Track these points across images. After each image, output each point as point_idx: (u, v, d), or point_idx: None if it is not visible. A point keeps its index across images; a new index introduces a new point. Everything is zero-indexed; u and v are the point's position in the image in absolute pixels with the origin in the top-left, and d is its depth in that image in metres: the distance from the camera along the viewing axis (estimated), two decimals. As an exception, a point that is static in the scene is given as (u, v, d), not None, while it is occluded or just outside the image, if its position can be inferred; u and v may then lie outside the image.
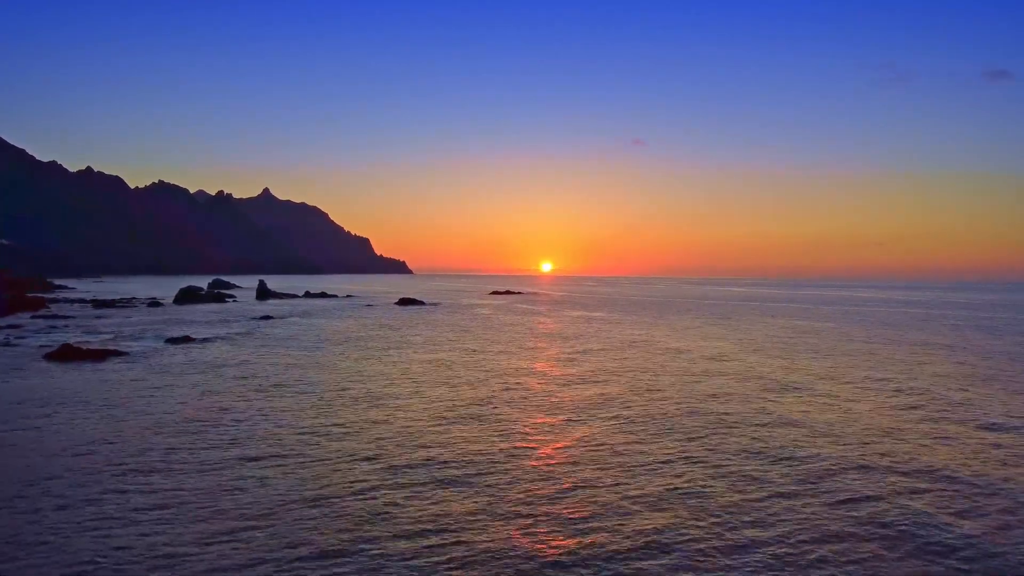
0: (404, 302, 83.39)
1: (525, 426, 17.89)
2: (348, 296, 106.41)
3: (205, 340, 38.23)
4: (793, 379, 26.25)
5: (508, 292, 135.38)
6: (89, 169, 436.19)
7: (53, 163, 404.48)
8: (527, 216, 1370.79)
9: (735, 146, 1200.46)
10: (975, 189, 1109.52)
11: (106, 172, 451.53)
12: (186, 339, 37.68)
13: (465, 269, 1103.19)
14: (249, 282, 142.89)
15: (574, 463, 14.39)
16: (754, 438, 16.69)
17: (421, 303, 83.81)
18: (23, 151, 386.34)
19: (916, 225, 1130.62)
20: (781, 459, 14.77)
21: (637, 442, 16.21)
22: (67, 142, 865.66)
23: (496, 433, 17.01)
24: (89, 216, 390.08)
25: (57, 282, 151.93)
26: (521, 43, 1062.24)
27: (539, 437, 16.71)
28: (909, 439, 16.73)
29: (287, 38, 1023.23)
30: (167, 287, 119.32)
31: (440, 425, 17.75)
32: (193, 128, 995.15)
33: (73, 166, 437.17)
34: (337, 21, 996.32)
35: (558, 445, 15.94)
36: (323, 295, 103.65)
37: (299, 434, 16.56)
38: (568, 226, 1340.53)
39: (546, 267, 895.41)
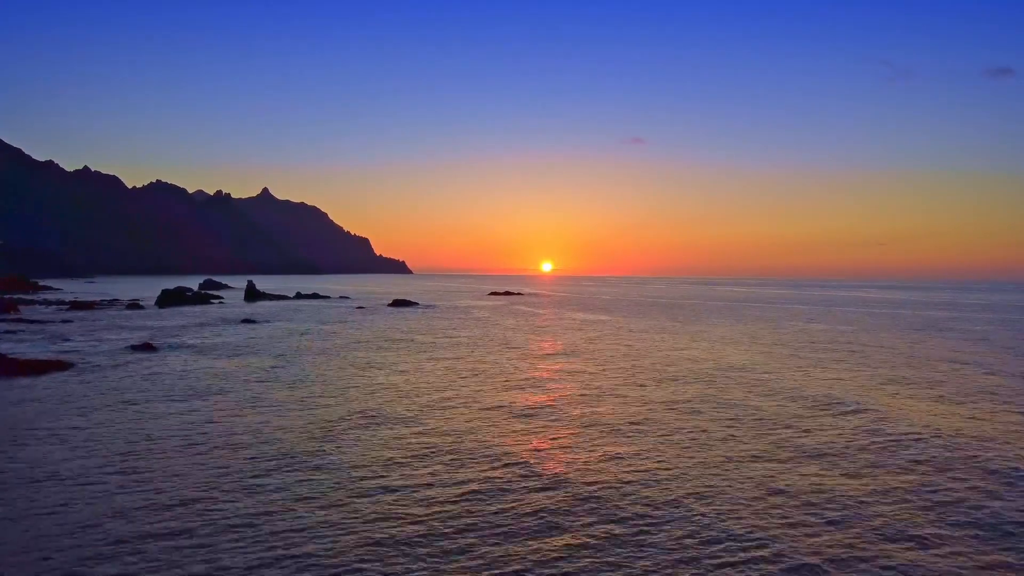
0: (397, 304, 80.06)
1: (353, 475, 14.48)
2: (341, 297, 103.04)
3: (169, 348, 34.86)
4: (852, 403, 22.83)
5: (507, 293, 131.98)
6: (86, 168, 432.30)
7: (49, 162, 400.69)
8: (527, 215, 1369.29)
9: (734, 144, 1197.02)
10: (977, 188, 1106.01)
11: (103, 171, 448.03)
12: (147, 347, 34.28)
13: (465, 269, 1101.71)
14: (245, 283, 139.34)
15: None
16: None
17: (415, 305, 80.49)
18: (19, 150, 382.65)
19: (917, 225, 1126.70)
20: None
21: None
22: (64, 141, 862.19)
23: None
24: (86, 216, 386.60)
25: (46, 283, 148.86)
26: (520, 42, 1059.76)
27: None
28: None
29: (286, 37, 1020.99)
30: (160, 288, 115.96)
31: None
32: (191, 127, 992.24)
33: (70, 165, 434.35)
34: (336, 20, 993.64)
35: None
36: (315, 296, 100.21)
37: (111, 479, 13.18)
38: (568, 225, 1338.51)
39: (546, 267, 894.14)
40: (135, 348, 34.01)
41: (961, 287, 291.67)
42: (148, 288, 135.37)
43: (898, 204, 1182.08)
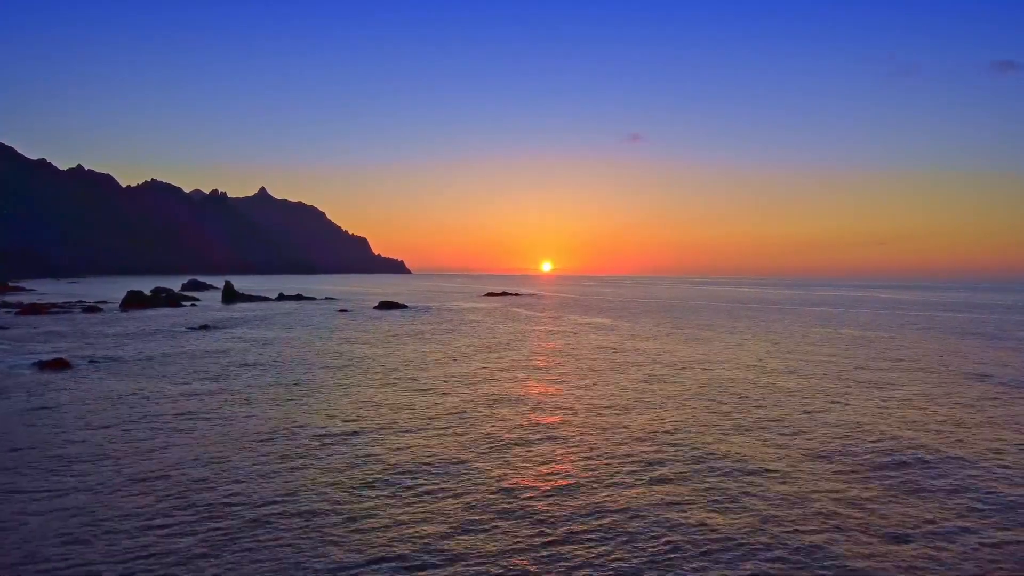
0: (383, 306, 74.24)
1: None
2: (327, 299, 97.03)
3: (89, 364, 29.01)
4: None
5: (504, 293, 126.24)
6: (80, 167, 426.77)
7: (42, 161, 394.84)
8: (526, 214, 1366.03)
9: (734, 143, 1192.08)
10: (978, 187, 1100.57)
11: (97, 170, 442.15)
12: (58, 364, 28.41)
13: (464, 268, 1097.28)
14: (241, 282, 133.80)
15: None
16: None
17: (404, 307, 74.71)
18: (12, 149, 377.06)
19: (918, 225, 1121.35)
20: None
21: None
22: (57, 139, 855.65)
23: None
24: (82, 216, 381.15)
25: (29, 284, 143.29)
26: (518, 40, 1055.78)
27: None
28: None
29: (285, 36, 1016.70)
30: (147, 288, 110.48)
31: None
32: (187, 125, 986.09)
33: (63, 164, 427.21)
34: (336, 20, 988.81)
35: None
36: (299, 297, 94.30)
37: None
38: (567, 224, 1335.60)
39: (546, 267, 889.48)
40: (42, 365, 28.17)
41: (966, 286, 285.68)
42: (132, 289, 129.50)
43: (898, 204, 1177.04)
